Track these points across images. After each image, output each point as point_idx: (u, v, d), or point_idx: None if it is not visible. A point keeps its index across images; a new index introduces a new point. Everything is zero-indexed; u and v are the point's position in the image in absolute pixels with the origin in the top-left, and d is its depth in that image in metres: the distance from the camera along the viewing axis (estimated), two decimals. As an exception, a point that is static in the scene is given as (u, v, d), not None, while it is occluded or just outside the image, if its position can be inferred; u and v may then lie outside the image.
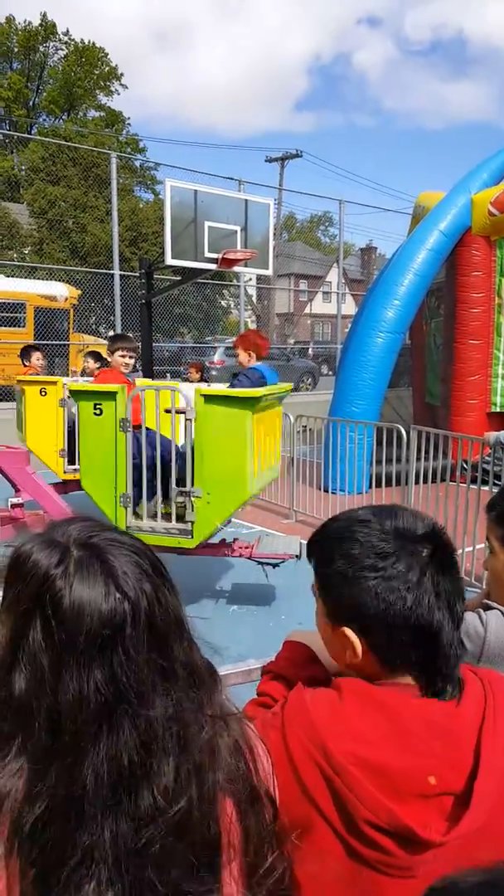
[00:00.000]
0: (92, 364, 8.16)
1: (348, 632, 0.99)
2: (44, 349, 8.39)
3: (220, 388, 4.85)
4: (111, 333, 14.76)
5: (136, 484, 4.41)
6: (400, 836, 0.86)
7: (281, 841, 0.86)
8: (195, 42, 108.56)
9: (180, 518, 4.36)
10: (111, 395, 4.34)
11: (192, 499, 4.25)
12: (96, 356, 8.37)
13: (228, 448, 4.18)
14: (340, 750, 0.90)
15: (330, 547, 1.03)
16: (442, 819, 0.88)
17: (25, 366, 7.29)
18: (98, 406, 4.37)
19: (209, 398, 4.19)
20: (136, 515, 4.46)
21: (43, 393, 6.01)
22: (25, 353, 7.48)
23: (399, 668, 0.98)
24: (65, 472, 6.05)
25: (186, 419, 4.31)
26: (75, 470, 5.90)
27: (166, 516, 4.49)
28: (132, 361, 5.32)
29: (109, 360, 5.30)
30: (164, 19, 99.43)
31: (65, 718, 0.72)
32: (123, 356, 5.18)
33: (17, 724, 0.74)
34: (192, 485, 4.26)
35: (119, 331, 12.49)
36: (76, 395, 4.51)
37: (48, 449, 6.05)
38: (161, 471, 4.49)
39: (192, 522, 4.29)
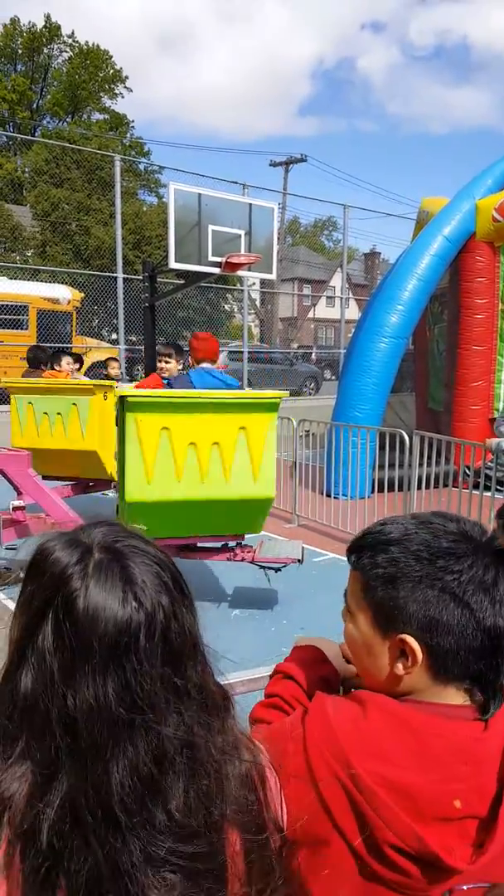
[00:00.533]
0: (70, 364, 8.02)
1: (409, 639, 0.93)
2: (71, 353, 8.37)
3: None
4: (115, 336, 14.78)
5: None
6: (424, 861, 0.84)
7: (288, 870, 0.84)
8: (199, 46, 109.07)
9: None
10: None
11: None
12: (76, 357, 8.26)
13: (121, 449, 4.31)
14: (366, 769, 0.87)
15: (388, 548, 0.97)
16: (463, 843, 0.87)
17: (55, 370, 7.24)
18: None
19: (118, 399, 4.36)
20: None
21: (105, 397, 6.05)
22: (55, 356, 7.43)
23: (451, 679, 0.94)
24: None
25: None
26: None
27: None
28: (168, 365, 5.56)
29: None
30: (168, 23, 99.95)
31: (81, 725, 0.70)
32: (160, 361, 5.58)
33: (23, 725, 0.72)
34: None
35: (122, 334, 12.53)
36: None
37: (111, 452, 6.05)
38: None
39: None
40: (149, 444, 4.07)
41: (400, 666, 0.95)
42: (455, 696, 0.95)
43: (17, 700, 0.72)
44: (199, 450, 4.18)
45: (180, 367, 5.61)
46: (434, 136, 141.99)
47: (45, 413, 6.22)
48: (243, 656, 3.70)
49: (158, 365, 5.50)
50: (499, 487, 5.60)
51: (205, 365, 4.82)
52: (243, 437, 4.25)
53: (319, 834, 0.87)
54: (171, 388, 4.68)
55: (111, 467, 6.09)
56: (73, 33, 37.14)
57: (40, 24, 35.71)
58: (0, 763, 0.72)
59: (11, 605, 4.71)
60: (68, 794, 0.70)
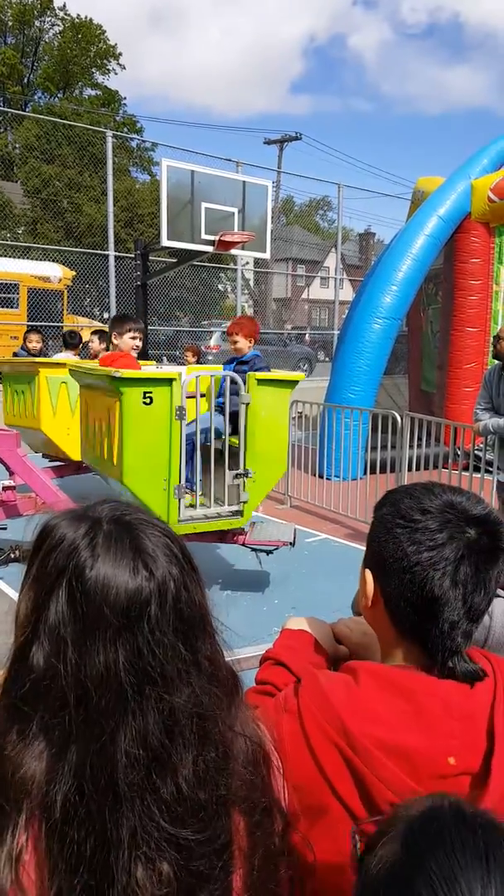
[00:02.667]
0: (97, 345, 7.58)
1: (367, 574, 1.02)
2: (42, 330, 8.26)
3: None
4: (106, 315, 14.65)
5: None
6: None
7: (290, 852, 0.85)
8: (190, 22, 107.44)
9: (228, 500, 4.52)
10: (166, 382, 4.02)
11: (245, 479, 4.48)
12: (101, 335, 7.78)
13: (274, 428, 4.54)
14: (361, 731, 0.89)
15: (387, 498, 1.07)
16: None
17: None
18: (148, 394, 3.99)
19: (261, 381, 4.43)
20: (191, 506, 4.38)
21: None
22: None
23: (409, 637, 0.98)
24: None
25: (242, 403, 4.42)
26: None
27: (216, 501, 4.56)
28: (140, 344, 5.02)
29: (116, 342, 4.90)
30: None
31: (91, 693, 0.71)
32: (134, 338, 4.89)
33: (38, 702, 0.72)
34: (245, 466, 4.42)
35: (114, 313, 12.38)
36: (121, 382, 3.96)
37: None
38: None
39: (245, 502, 4.48)
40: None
41: (364, 600, 1.03)
42: (425, 659, 0.98)
43: (31, 677, 0.72)
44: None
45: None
46: (428, 115, 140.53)
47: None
48: (235, 635, 3.70)
49: (133, 343, 4.91)
50: (489, 468, 5.60)
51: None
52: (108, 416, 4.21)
53: (319, 802, 0.89)
54: (265, 364, 4.81)
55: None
56: (64, 6, 36.39)
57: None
58: (19, 744, 0.72)
59: (2, 586, 4.69)
60: (77, 764, 0.70)
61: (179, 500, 4.22)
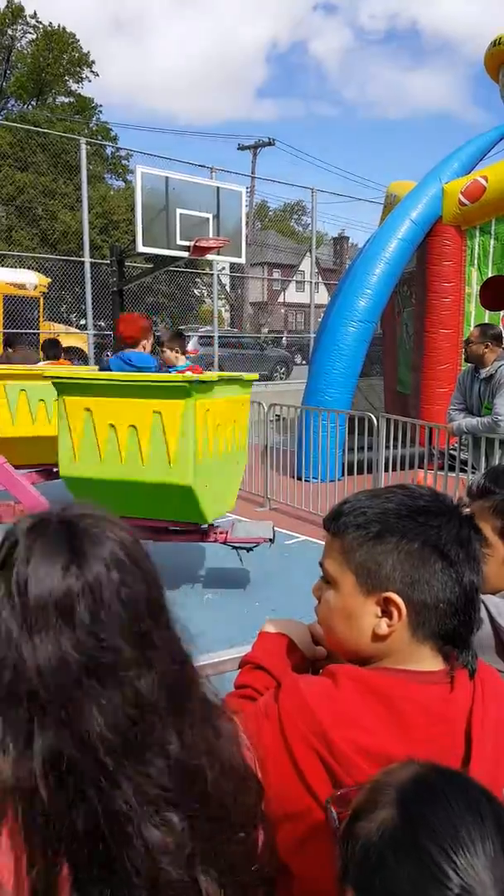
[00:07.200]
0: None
1: (394, 595, 0.95)
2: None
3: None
4: (83, 322, 14.61)
5: None
6: None
7: (265, 821, 0.88)
8: (153, 29, 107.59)
9: None
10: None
11: None
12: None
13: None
14: (341, 737, 0.89)
15: (368, 511, 1.00)
16: None
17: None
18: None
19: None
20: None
21: None
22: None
23: (427, 637, 0.98)
24: None
25: None
26: None
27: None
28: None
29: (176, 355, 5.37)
30: (120, 6, 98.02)
31: (48, 682, 0.73)
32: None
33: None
34: None
35: (90, 319, 12.39)
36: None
37: None
38: None
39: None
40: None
41: (384, 624, 0.97)
42: (429, 657, 0.99)
43: None
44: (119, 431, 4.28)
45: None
46: (393, 119, 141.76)
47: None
48: (216, 638, 3.74)
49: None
50: (463, 467, 5.71)
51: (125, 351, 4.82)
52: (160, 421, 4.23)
53: (298, 808, 0.89)
54: None
55: None
56: (35, 13, 36.20)
57: (2, 4, 34.74)
58: None
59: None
60: (50, 750, 0.72)
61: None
